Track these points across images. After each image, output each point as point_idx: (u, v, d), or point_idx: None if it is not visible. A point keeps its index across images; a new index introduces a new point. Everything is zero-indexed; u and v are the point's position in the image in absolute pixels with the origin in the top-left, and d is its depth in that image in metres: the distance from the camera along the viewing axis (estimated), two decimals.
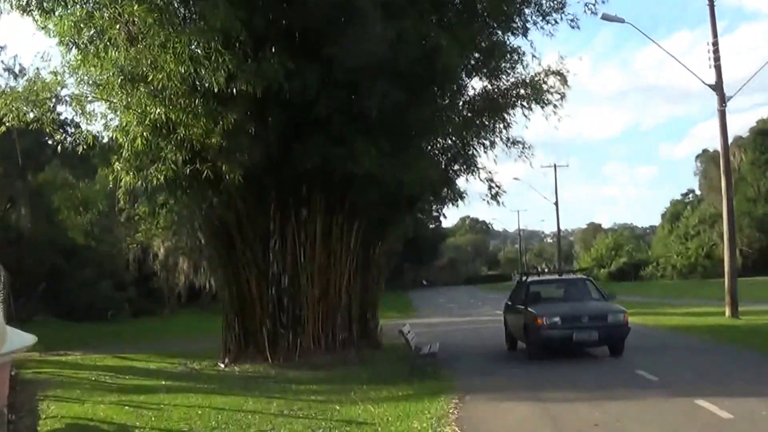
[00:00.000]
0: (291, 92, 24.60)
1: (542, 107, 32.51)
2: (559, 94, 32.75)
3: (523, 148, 34.89)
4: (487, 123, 33.36)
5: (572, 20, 30.88)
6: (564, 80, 32.70)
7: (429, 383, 22.73)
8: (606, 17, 38.11)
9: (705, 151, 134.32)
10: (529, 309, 28.29)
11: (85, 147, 27.47)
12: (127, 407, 19.45)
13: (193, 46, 23.85)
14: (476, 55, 31.12)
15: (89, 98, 26.86)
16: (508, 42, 31.72)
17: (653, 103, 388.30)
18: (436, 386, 22.04)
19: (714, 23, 40.13)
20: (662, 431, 14.42)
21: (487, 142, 33.87)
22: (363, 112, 26.36)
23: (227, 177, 25.40)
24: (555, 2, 30.98)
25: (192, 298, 67.37)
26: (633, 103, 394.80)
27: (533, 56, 34.40)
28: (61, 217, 62.45)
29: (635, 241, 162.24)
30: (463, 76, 31.70)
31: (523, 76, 32.45)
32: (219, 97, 24.77)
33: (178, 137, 25.15)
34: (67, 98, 26.91)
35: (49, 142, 48.96)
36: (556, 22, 31.04)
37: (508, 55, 31.45)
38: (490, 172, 34.81)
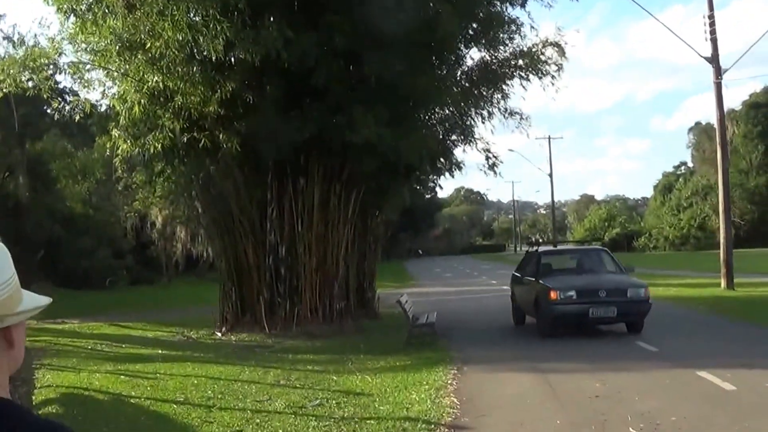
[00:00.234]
0: (289, 61, 24.45)
1: (540, 78, 32.30)
2: (557, 65, 32.54)
3: (520, 119, 34.70)
4: (485, 93, 33.16)
5: None
6: (561, 51, 32.46)
7: (427, 353, 22.65)
8: None
9: (698, 123, 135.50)
10: (541, 281, 26.11)
11: (82, 115, 27.42)
12: (122, 376, 19.40)
13: (191, 14, 23.74)
14: (474, 25, 30.88)
15: (87, 66, 26.80)
16: (506, 13, 31.52)
17: (646, 76, 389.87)
18: (434, 356, 21.97)
19: None
20: (665, 403, 14.26)
21: (485, 113, 33.72)
22: (361, 81, 26.39)
23: (224, 146, 25.43)
24: None
25: (190, 267, 67.26)
26: (626, 77, 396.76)
27: (531, 27, 34.33)
28: (60, 186, 62.21)
29: (628, 213, 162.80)
30: (462, 46, 31.51)
31: (521, 47, 32.24)
32: (217, 65, 24.79)
33: (176, 105, 25.18)
34: (65, 66, 26.88)
35: (48, 110, 48.86)
36: None
37: (506, 26, 31.15)
38: (487, 143, 34.80)
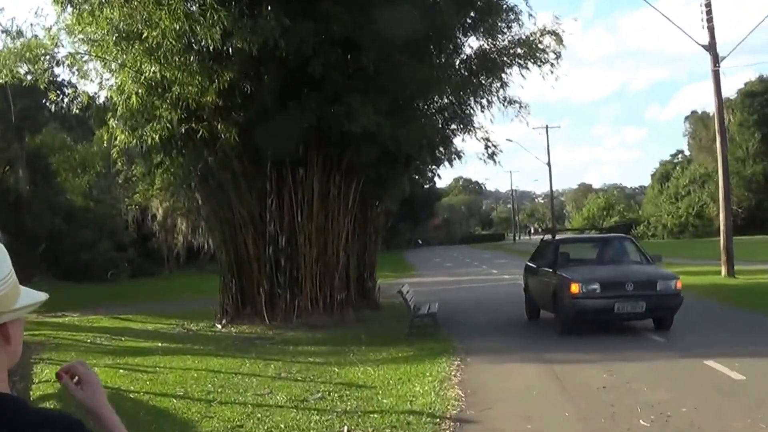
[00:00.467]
0: (287, 50, 24.24)
1: (539, 66, 32.20)
2: (555, 53, 32.46)
3: (519, 108, 34.50)
4: (484, 82, 33.03)
5: None
6: (559, 40, 32.37)
7: (429, 344, 22.48)
8: None
9: (694, 112, 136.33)
10: (561, 273, 23.80)
11: (80, 107, 27.26)
12: (122, 370, 19.22)
13: (188, 3, 23.57)
14: (472, 13, 30.74)
15: (84, 58, 26.63)
16: (504, 1, 31.32)
17: (641, 66, 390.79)
18: (437, 347, 21.78)
19: None
20: (674, 394, 14.07)
21: (484, 102, 33.55)
22: (360, 70, 26.25)
23: (223, 136, 25.29)
24: None
25: (191, 259, 67.26)
26: (621, 66, 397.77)
27: (529, 15, 34.14)
28: (60, 179, 62.16)
29: (626, 201, 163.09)
30: (460, 34, 31.41)
31: (519, 36, 32.13)
32: (215, 55, 24.66)
33: (173, 96, 25.04)
34: (63, 59, 26.78)
35: (47, 104, 48.73)
36: None
37: (504, 14, 31.06)
38: (486, 132, 34.67)
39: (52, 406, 15.22)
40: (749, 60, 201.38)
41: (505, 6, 31.11)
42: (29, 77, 26.75)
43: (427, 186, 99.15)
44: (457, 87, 31.17)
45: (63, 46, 26.43)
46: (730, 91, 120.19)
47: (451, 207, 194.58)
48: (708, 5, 38.88)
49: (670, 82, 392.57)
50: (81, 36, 26.07)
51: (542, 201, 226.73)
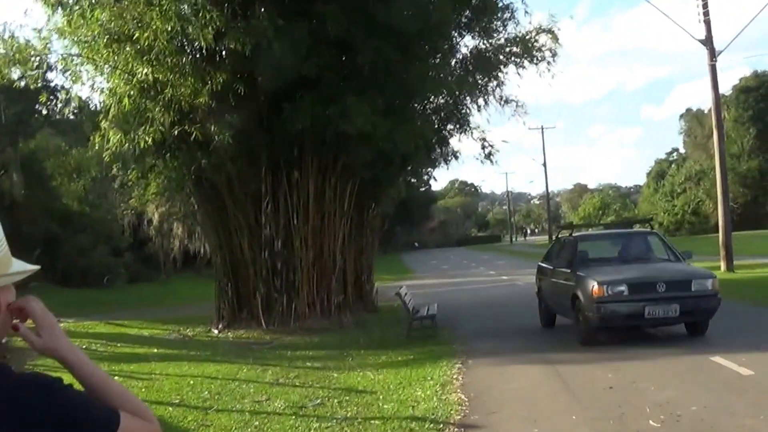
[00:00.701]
0: (281, 50, 23.85)
1: (536, 64, 31.99)
2: (551, 52, 32.20)
3: (516, 107, 34.26)
4: (480, 82, 32.76)
5: None
6: (555, 38, 32.16)
7: (429, 347, 22.21)
8: None
9: (689, 110, 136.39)
10: (581, 274, 21.23)
11: (73, 110, 27.06)
12: (117, 377, 18.82)
13: (179, 3, 23.29)
14: (467, 12, 30.51)
15: (75, 60, 26.41)
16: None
17: (635, 65, 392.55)
18: (437, 350, 21.50)
19: None
20: (682, 392, 13.72)
21: (480, 101, 33.33)
22: (355, 71, 26.02)
23: (216, 138, 24.95)
24: None
25: (187, 263, 67.17)
26: (615, 66, 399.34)
27: (525, 12, 33.99)
28: (55, 184, 61.96)
29: (621, 200, 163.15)
30: (455, 33, 31.18)
31: (515, 34, 31.93)
32: (207, 56, 24.47)
33: (166, 98, 24.82)
34: (55, 64, 26.68)
35: (39, 108, 48.59)
36: None
37: (500, 13, 30.86)
38: (483, 132, 34.34)
39: None
40: (744, 57, 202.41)
41: (500, 4, 30.90)
42: (22, 82, 26.57)
43: (422, 189, 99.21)
44: (452, 87, 30.87)
45: (54, 50, 26.34)
46: (724, 88, 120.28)
47: (447, 209, 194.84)
48: None
49: (665, 80, 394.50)
50: (72, 38, 25.83)
51: (537, 202, 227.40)
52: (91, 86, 27.72)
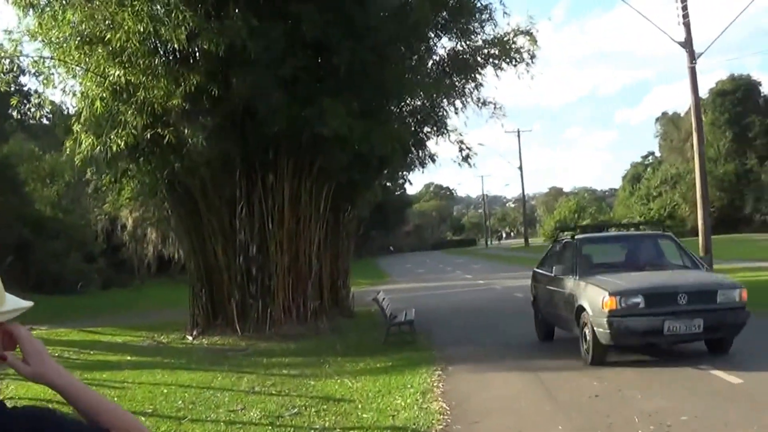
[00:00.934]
0: (255, 51, 23.64)
1: (514, 65, 31.73)
2: (529, 54, 31.98)
3: (494, 108, 34.03)
4: (457, 84, 32.53)
5: None
6: (533, 40, 31.97)
7: (407, 353, 21.88)
8: None
9: (665, 113, 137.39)
10: (588, 282, 18.67)
11: (46, 115, 26.71)
12: (89, 386, 18.45)
13: (152, 4, 22.94)
14: (444, 13, 30.22)
15: (47, 63, 26.07)
16: (477, 0, 30.81)
17: (612, 68, 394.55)
18: (416, 356, 21.17)
19: None
20: (671, 401, 13.37)
21: (458, 103, 33.06)
22: (331, 72, 25.65)
23: (190, 141, 24.72)
24: None
25: (161, 269, 66.90)
26: (593, 69, 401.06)
27: (504, 13, 33.73)
28: (28, 189, 61.48)
29: (597, 204, 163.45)
30: (432, 35, 30.84)
31: (492, 36, 31.70)
32: (181, 57, 24.14)
33: (138, 100, 24.42)
34: (28, 67, 26.36)
35: (11, 112, 48.14)
36: None
37: (478, 14, 30.58)
38: (460, 134, 34.09)
39: None
40: (722, 60, 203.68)
41: (478, 5, 30.64)
42: None
43: (398, 193, 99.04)
44: (429, 89, 30.59)
45: (26, 53, 25.99)
46: (701, 91, 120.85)
47: (422, 213, 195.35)
48: (684, 0, 38.47)
49: (641, 83, 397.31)
50: (44, 40, 25.48)
51: (513, 205, 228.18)
52: (63, 89, 27.36)
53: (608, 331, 17.09)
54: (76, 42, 24.39)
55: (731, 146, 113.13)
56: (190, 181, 27.94)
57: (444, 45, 32.91)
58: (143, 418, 14.60)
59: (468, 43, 31.66)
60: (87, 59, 24.87)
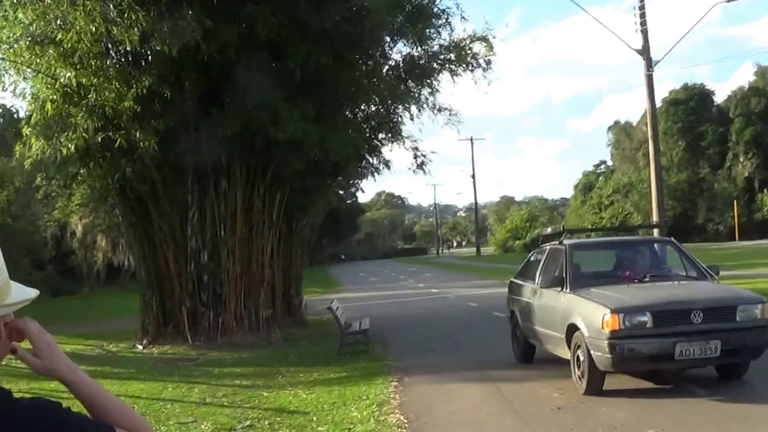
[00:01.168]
0: (209, 53, 23.35)
1: (471, 71, 31.54)
2: (485, 60, 31.75)
3: (450, 115, 33.74)
4: (413, 90, 32.21)
5: None
6: (490, 46, 31.78)
7: (362, 363, 21.48)
8: None
9: (617, 122, 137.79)
10: (583, 296, 15.61)
11: None
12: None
13: (104, 3, 22.50)
14: (400, 18, 29.92)
15: None
16: (436, 5, 30.62)
17: (564, 77, 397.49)
18: (371, 366, 20.77)
19: None
20: (636, 413, 12.98)
21: (413, 109, 32.73)
22: (286, 75, 25.24)
23: (141, 145, 24.18)
24: None
25: (112, 276, 66.72)
26: (544, 78, 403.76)
27: (462, 17, 33.48)
28: None
29: (548, 213, 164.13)
30: (388, 40, 30.61)
31: (449, 41, 31.51)
32: (133, 59, 23.80)
33: (90, 103, 24.04)
34: None
35: None
36: None
37: (434, 19, 30.29)
38: (415, 141, 33.93)
39: None
40: (673, 70, 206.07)
41: (435, 10, 30.35)
42: None
43: (350, 201, 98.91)
44: (384, 94, 30.30)
45: None
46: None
47: (374, 221, 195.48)
48: (642, 8, 38.48)
49: (593, 92, 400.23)
50: None
51: (464, 214, 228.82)
52: (13, 91, 26.86)
53: (609, 355, 14.12)
54: (27, 42, 23.95)
55: (684, 155, 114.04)
56: (141, 187, 27.47)
57: (400, 50, 32.67)
58: None
59: (424, 48, 31.40)
60: (38, 60, 24.44)
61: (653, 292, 15.47)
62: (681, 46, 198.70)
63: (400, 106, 32.43)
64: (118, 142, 24.35)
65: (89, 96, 23.98)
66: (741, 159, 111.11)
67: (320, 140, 25.68)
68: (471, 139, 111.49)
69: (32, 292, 2.77)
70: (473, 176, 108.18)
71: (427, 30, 30.27)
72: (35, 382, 19.65)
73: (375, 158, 34.43)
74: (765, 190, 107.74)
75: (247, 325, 28.04)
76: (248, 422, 14.39)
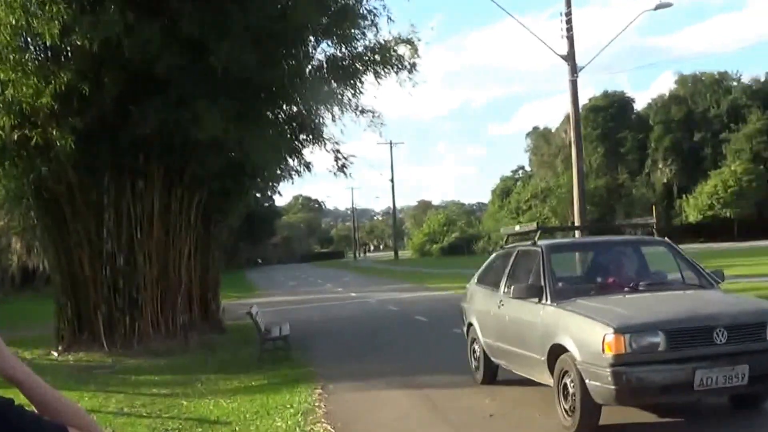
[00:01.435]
0: (130, 49, 22.72)
1: (396, 72, 31.03)
2: (409, 63, 31.33)
3: (372, 117, 33.28)
4: (336, 90, 31.74)
5: None
6: (414, 49, 31.33)
7: (284, 370, 20.96)
8: None
9: (536, 128, 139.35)
10: (571, 311, 12.50)
11: None
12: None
13: None
14: (325, 20, 29.47)
15: None
16: (362, 5, 30.15)
17: (483, 83, 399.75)
18: (293, 374, 20.28)
19: None
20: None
21: (336, 109, 32.23)
22: (207, 73, 24.63)
23: (58, 144, 23.51)
24: None
25: (26, 281, 65.76)
26: (464, 83, 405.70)
27: (389, 19, 33.08)
28: None
29: (466, 217, 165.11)
30: (312, 39, 30.05)
31: (373, 43, 30.99)
32: (53, 53, 23.59)
33: (6, 99, 23.32)
34: None
35: None
36: None
37: (360, 20, 29.85)
38: (337, 143, 33.36)
39: None
40: (596, 78, 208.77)
41: (361, 11, 29.90)
42: None
43: (267, 204, 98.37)
44: (306, 94, 29.84)
45: None
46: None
47: (291, 225, 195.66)
48: (568, 14, 38.45)
49: (511, 98, 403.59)
50: None
51: (381, 218, 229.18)
52: None
53: (612, 386, 11.02)
54: None
55: (602, 161, 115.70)
56: (57, 187, 26.81)
57: (324, 50, 32.23)
58: None
59: (349, 49, 30.95)
60: None
61: (661, 305, 12.51)
62: (602, 55, 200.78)
63: (322, 107, 31.96)
64: (34, 140, 23.70)
65: (6, 92, 23.33)
66: (660, 165, 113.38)
67: (240, 141, 25.36)
68: (390, 143, 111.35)
69: None
70: (392, 180, 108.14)
71: (353, 30, 29.86)
72: None
73: (296, 160, 33.96)
74: (684, 196, 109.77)
75: (164, 330, 27.45)
76: None
